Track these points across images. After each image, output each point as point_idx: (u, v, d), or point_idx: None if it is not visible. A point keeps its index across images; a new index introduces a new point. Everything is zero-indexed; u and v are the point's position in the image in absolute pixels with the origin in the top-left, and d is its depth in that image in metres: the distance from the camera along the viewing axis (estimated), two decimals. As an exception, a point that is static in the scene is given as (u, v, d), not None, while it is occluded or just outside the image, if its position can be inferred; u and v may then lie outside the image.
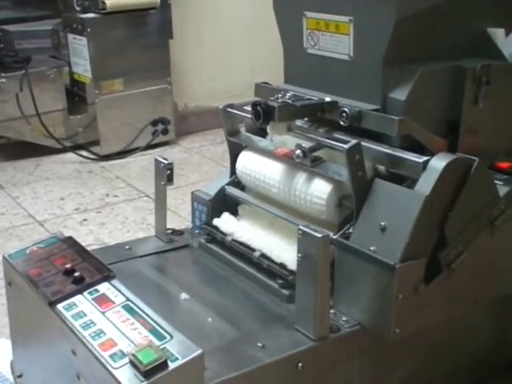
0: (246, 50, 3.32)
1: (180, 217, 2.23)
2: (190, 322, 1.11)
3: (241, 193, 1.35)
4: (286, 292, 1.14)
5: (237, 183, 1.37)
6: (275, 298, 1.15)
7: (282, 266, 1.16)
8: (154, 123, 2.98)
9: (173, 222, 1.35)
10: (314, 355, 1.02)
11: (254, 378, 0.97)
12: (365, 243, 1.06)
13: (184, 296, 1.16)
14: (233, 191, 1.36)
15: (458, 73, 1.15)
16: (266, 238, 1.23)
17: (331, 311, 1.06)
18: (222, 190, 1.38)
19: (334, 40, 1.22)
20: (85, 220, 2.30)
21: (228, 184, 1.38)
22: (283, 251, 1.18)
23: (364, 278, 1.05)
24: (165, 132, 3.01)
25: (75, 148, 2.91)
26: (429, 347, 1.16)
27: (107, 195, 2.52)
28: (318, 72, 1.27)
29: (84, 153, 2.90)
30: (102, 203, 2.45)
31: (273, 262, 1.17)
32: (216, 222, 1.32)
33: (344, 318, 1.07)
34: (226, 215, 1.33)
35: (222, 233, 1.30)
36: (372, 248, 1.04)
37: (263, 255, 1.20)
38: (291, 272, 1.13)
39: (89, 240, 2.08)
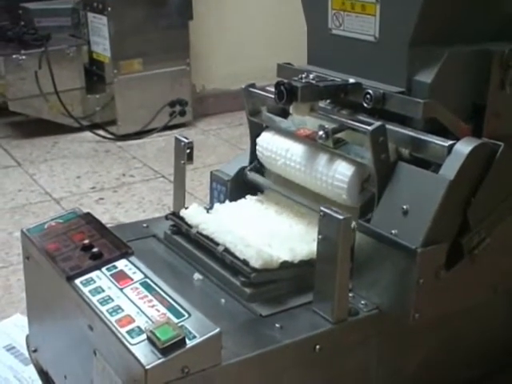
0: (265, 32, 3.30)
1: (196, 198, 2.22)
2: (204, 301, 1.10)
3: (263, 179, 1.34)
4: (247, 290, 1.06)
5: (258, 169, 1.36)
6: (237, 296, 1.08)
7: (245, 262, 1.07)
8: (172, 104, 2.98)
9: (189, 203, 1.34)
10: (332, 338, 1.01)
11: (271, 358, 0.96)
12: (386, 226, 1.04)
13: (197, 276, 1.15)
14: (254, 177, 1.35)
15: (484, 56, 1.13)
16: (233, 232, 1.15)
17: (350, 294, 1.05)
18: (241, 171, 1.36)
19: (359, 21, 1.21)
20: (101, 199, 2.30)
21: (250, 170, 1.36)
22: (246, 246, 1.09)
23: (384, 261, 1.04)
24: (182, 113, 3.00)
25: (92, 127, 2.91)
26: (447, 333, 1.15)
27: (123, 175, 2.53)
28: (343, 53, 1.25)
29: (101, 132, 2.91)
30: (119, 183, 2.45)
31: (236, 257, 1.09)
32: (183, 212, 1.25)
33: (363, 302, 1.06)
34: (194, 206, 1.27)
35: (187, 224, 1.22)
36: (393, 231, 1.03)
37: (226, 250, 1.11)
38: (253, 269, 1.05)
39: (105, 219, 2.08)
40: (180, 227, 1.24)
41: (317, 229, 1.13)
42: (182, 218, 1.24)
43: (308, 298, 1.06)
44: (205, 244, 1.17)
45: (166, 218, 1.28)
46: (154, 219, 1.40)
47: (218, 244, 1.14)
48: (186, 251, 1.21)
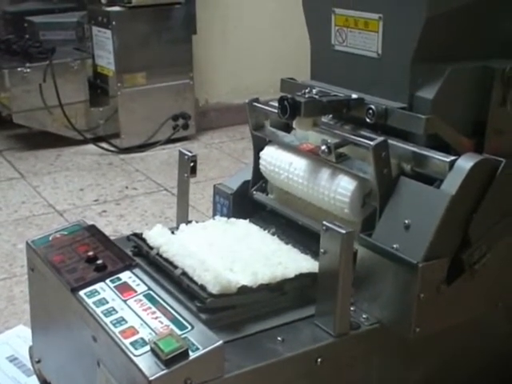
0: (268, 47, 3.32)
1: (199, 211, 2.23)
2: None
3: (270, 199, 1.35)
4: (203, 316, 1.01)
5: (264, 188, 1.37)
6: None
7: (202, 287, 1.03)
8: (175, 118, 2.99)
9: (191, 217, 1.36)
10: (334, 351, 1.01)
11: (273, 371, 0.96)
12: (388, 241, 1.05)
13: None
14: (261, 197, 1.36)
15: (486, 73, 1.14)
16: (195, 255, 1.10)
17: (351, 308, 1.05)
18: (244, 184, 1.38)
19: (362, 37, 1.22)
20: (104, 211, 2.31)
21: (256, 190, 1.37)
22: (205, 271, 1.05)
23: (386, 275, 1.05)
24: (185, 127, 3.02)
25: (96, 140, 2.93)
26: (448, 348, 1.15)
27: (126, 188, 2.54)
28: (345, 69, 1.27)
29: (104, 145, 2.92)
30: (122, 195, 2.46)
31: (194, 282, 1.05)
32: (145, 233, 1.20)
33: (364, 316, 1.07)
34: (158, 227, 1.21)
35: (148, 246, 1.17)
36: (395, 246, 1.04)
37: (184, 274, 1.07)
38: (210, 295, 1.01)
39: (107, 231, 2.08)
40: (140, 248, 1.19)
41: (283, 252, 1.17)
42: (143, 240, 1.19)
43: (268, 325, 1.04)
44: (163, 267, 1.12)
45: (128, 238, 1.23)
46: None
47: (176, 267, 1.09)
48: (147, 273, 1.12)
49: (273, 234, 1.26)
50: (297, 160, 1.25)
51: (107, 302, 1.00)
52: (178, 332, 0.92)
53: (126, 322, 0.96)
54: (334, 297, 0.99)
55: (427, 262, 1.00)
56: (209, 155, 2.91)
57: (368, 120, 1.16)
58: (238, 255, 1.15)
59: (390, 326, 1.05)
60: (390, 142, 1.09)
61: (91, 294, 1.02)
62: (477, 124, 1.17)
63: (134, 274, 1.07)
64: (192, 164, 1.29)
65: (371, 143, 1.07)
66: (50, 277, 1.10)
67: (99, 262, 1.08)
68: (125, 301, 1.00)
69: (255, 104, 1.32)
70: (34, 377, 1.27)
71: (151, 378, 0.85)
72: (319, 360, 0.99)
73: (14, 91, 2.75)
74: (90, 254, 1.10)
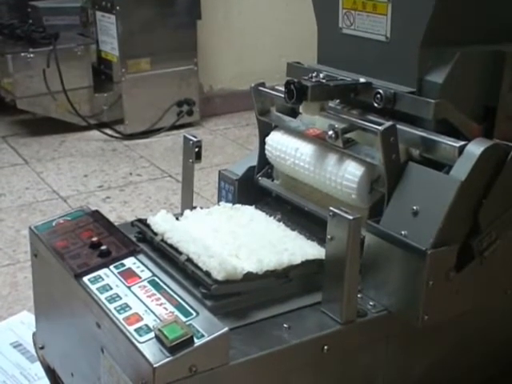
0: (273, 33, 3.30)
1: (203, 198, 2.22)
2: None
3: (275, 185, 1.33)
4: (208, 303, 0.99)
5: (269, 174, 1.35)
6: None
7: (207, 273, 1.01)
8: (179, 104, 2.97)
9: (196, 203, 1.34)
10: (340, 339, 1.00)
11: (279, 358, 0.95)
12: (396, 227, 1.03)
13: None
14: (266, 183, 1.34)
15: (497, 57, 1.12)
16: (199, 241, 1.09)
17: (358, 295, 1.04)
18: (249, 170, 1.36)
19: (370, 20, 1.20)
20: (108, 197, 2.30)
21: (261, 176, 1.35)
22: (210, 257, 1.03)
23: (394, 262, 1.03)
24: (190, 113, 3.00)
25: (100, 126, 2.91)
26: (456, 336, 1.14)
27: (131, 174, 2.53)
28: (353, 53, 1.25)
29: (108, 131, 2.91)
30: (126, 181, 2.45)
31: (198, 268, 1.03)
32: (150, 219, 1.18)
33: (371, 303, 1.05)
34: (162, 213, 1.20)
35: (152, 232, 1.16)
36: (403, 232, 1.02)
37: (189, 260, 1.05)
38: (215, 281, 0.99)
39: (111, 217, 2.05)
40: (145, 234, 1.18)
41: (289, 239, 1.16)
42: (148, 225, 1.17)
43: (274, 312, 1.03)
44: (167, 253, 1.11)
45: (132, 224, 1.21)
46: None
47: (181, 253, 1.08)
48: (151, 259, 1.10)
49: (278, 221, 1.25)
50: (303, 145, 1.23)
51: (111, 289, 0.99)
52: (183, 319, 0.90)
53: (131, 308, 0.94)
54: (340, 284, 0.98)
55: (436, 248, 0.99)
56: (213, 141, 2.89)
57: (376, 105, 1.15)
58: (244, 241, 1.13)
59: (398, 313, 1.04)
60: (398, 127, 1.07)
61: (95, 280, 1.01)
62: (486, 109, 1.15)
63: (138, 259, 1.05)
64: (197, 149, 1.27)
65: (379, 128, 1.05)
66: (53, 263, 1.09)
67: (103, 247, 1.06)
68: (129, 287, 0.99)
69: (261, 88, 1.30)
70: (38, 363, 1.27)
71: (155, 365, 0.84)
72: (326, 347, 0.98)
73: (18, 76, 2.74)
74: (94, 239, 1.09)
